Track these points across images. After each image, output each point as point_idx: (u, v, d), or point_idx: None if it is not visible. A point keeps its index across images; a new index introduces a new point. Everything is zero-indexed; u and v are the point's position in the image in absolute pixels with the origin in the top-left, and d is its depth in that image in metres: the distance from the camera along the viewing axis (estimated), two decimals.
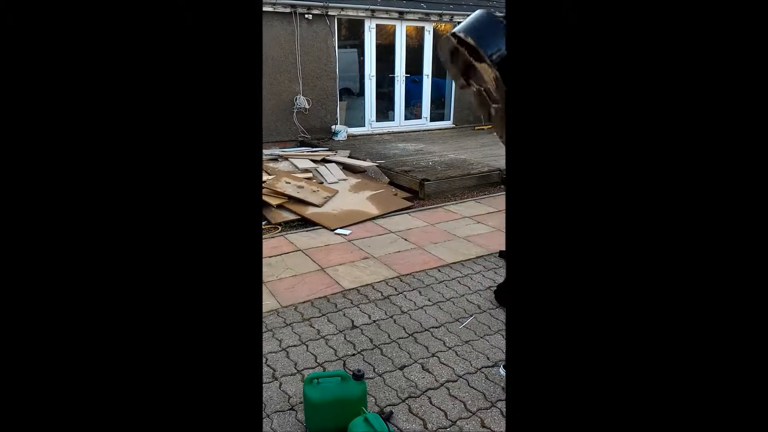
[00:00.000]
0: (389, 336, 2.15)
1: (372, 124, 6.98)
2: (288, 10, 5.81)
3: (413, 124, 7.30)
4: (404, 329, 2.22)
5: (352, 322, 2.27)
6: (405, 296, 2.53)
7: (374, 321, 2.28)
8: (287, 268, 2.84)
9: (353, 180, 4.52)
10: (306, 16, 5.94)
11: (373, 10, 6.42)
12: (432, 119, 7.47)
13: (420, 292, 2.58)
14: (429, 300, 2.49)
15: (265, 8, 5.65)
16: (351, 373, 1.66)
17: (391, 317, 2.32)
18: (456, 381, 1.86)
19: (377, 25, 6.61)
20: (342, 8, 6.19)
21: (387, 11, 6.54)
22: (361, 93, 6.88)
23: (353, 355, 2.01)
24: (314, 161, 4.88)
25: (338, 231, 3.46)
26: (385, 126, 7.06)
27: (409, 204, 4.08)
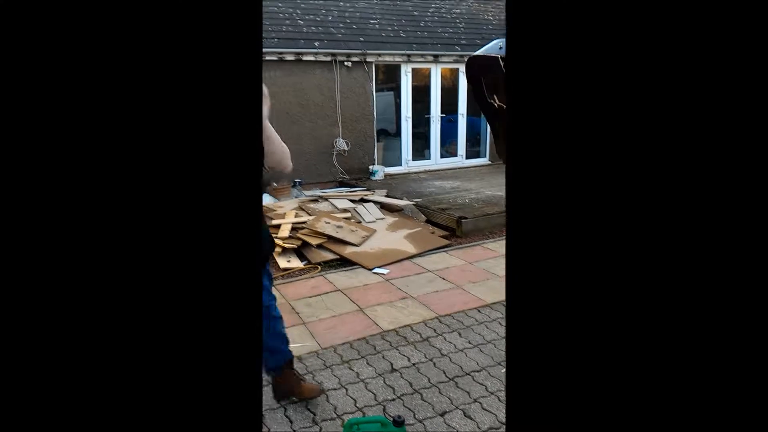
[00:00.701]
0: (429, 380, 2.12)
1: (408, 163, 7.10)
2: (329, 59, 6.14)
3: (449, 162, 7.37)
4: (444, 373, 2.17)
5: (392, 365, 2.25)
6: (444, 338, 2.50)
7: (413, 364, 2.26)
8: (326, 309, 2.87)
9: (391, 219, 4.58)
10: (345, 63, 6.25)
11: (409, 55, 6.67)
12: (467, 157, 7.51)
13: (460, 334, 2.53)
14: (469, 342, 2.44)
15: (307, 58, 5.99)
16: (391, 419, 1.64)
17: (431, 360, 2.28)
18: (499, 428, 1.79)
19: (413, 69, 6.85)
20: (379, 55, 6.47)
21: (422, 55, 6.78)
22: (398, 133, 7.06)
23: (393, 399, 1.99)
24: (353, 201, 4.99)
25: (376, 270, 3.49)
26: (422, 164, 7.16)
27: (446, 242, 4.07)
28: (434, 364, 2.26)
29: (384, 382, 2.11)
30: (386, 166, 6.77)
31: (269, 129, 1.51)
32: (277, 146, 1.53)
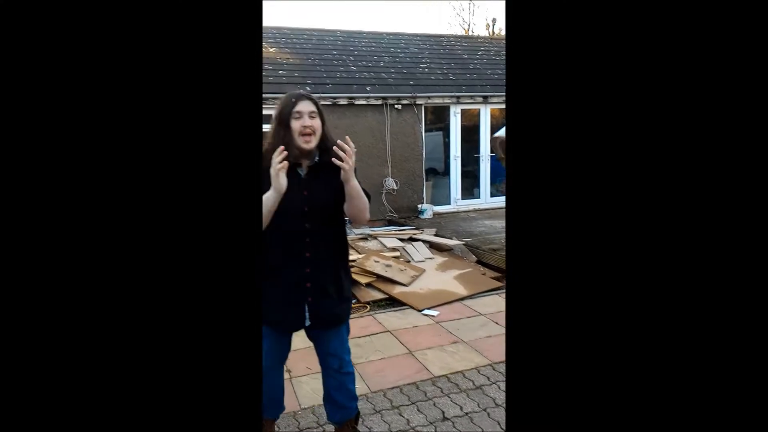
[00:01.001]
0: (482, 431, 2.01)
1: (457, 202, 7.07)
2: (379, 102, 6.37)
3: (499, 201, 7.26)
4: (499, 424, 2.06)
5: (443, 413, 2.17)
6: (498, 387, 2.38)
7: (466, 413, 2.16)
8: (376, 350, 2.84)
9: (440, 258, 4.53)
10: (396, 106, 6.44)
11: (458, 97, 6.79)
12: None
13: None
14: None
15: (358, 102, 6.24)
16: None
17: (485, 410, 2.18)
18: None
19: (462, 110, 6.94)
20: (429, 97, 6.63)
21: (472, 97, 6.87)
22: (447, 172, 7.08)
23: None
24: (401, 240, 5.00)
25: (426, 312, 3.43)
26: (471, 203, 7.10)
27: (498, 284, 3.96)
28: (488, 414, 2.15)
29: (435, 431, 2.03)
30: (435, 204, 6.77)
31: (354, 181, 1.48)
32: (361, 200, 1.52)
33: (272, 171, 1.40)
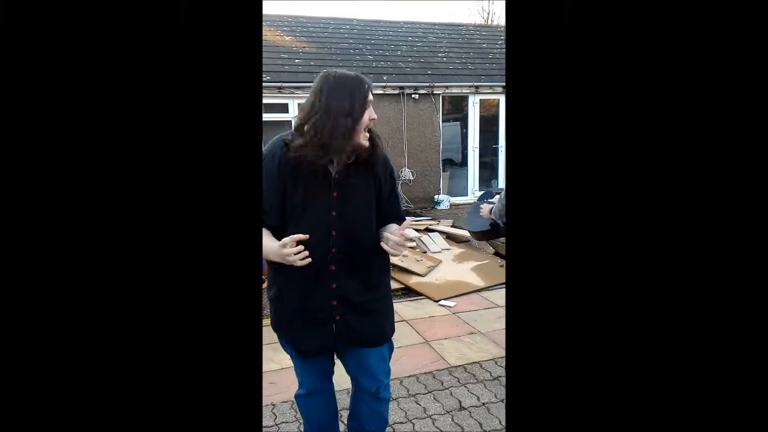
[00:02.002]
0: (500, 422, 2.00)
1: (475, 193, 7.00)
2: (396, 91, 6.32)
3: None
4: None
5: (460, 402, 2.16)
6: None
7: (483, 404, 2.15)
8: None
9: (457, 250, 4.50)
10: (413, 96, 6.38)
11: (477, 87, 6.69)
12: None
13: None
14: None
15: (375, 91, 6.19)
16: None
17: (502, 401, 2.16)
18: None
19: (480, 100, 6.84)
20: (447, 87, 6.55)
21: (491, 86, 6.76)
22: (464, 163, 7.01)
23: None
24: (417, 230, 4.98)
25: (442, 302, 3.41)
26: None
27: None
28: (505, 405, 2.13)
29: (452, 420, 2.02)
30: (452, 195, 6.72)
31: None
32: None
33: (284, 254, 1.12)
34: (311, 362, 1.39)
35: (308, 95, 1.23)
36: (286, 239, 1.13)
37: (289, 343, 1.36)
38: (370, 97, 1.23)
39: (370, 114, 1.21)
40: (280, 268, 1.25)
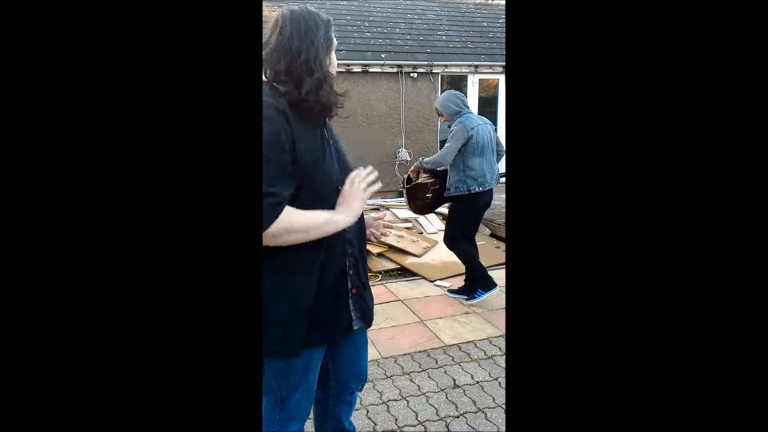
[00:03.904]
0: (494, 400, 2.02)
1: None
2: (395, 70, 6.21)
3: None
4: None
5: (454, 380, 2.18)
6: None
7: (477, 382, 2.16)
8: (387, 318, 2.85)
9: None
10: (411, 74, 6.28)
11: (476, 66, 6.59)
12: None
13: None
14: None
15: (373, 69, 6.09)
16: None
17: (496, 379, 2.18)
18: None
19: (480, 80, 6.75)
20: (446, 65, 6.45)
21: (490, 66, 6.66)
22: None
23: (456, 417, 1.91)
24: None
25: (438, 282, 3.42)
26: None
27: None
28: (499, 383, 2.15)
29: (446, 398, 2.04)
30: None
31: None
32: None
33: (357, 190, 1.06)
34: (315, 362, 1.14)
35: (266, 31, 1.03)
36: (353, 175, 1.07)
37: (298, 344, 1.07)
38: (334, 40, 1.08)
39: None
40: (284, 253, 1.01)
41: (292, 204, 1.00)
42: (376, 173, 1.14)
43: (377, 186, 1.11)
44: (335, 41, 1.09)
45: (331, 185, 1.07)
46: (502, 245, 4.18)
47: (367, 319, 1.19)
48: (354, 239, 1.15)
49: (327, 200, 1.06)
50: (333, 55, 1.08)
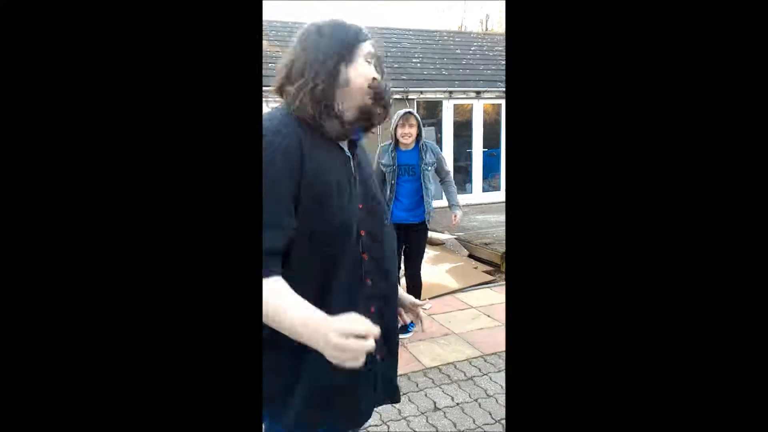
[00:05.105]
0: (474, 421, 2.02)
1: None
2: None
3: (491, 196, 7.28)
4: (490, 415, 2.07)
5: (435, 403, 2.17)
6: (490, 378, 2.39)
7: (458, 404, 2.16)
8: None
9: (432, 252, 4.53)
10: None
11: (451, 92, 6.78)
12: None
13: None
14: None
15: None
16: None
17: (476, 401, 2.18)
18: None
19: (455, 105, 6.93)
20: (421, 91, 6.61)
21: (465, 92, 6.87)
22: None
23: None
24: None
25: (416, 301, 3.42)
26: (463, 198, 7.08)
27: (490, 278, 3.97)
28: (479, 404, 2.15)
29: (427, 421, 2.03)
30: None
31: None
32: None
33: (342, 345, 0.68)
34: None
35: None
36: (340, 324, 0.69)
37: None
38: (367, 48, 0.88)
39: (369, 72, 0.87)
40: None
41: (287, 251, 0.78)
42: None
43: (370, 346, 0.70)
44: (363, 48, 0.88)
45: (344, 226, 0.83)
46: (480, 266, 4.23)
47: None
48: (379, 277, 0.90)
49: (333, 244, 0.82)
50: (357, 66, 0.86)
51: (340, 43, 0.86)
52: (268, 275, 0.74)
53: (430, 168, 2.78)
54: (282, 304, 0.73)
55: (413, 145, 2.74)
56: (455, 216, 2.93)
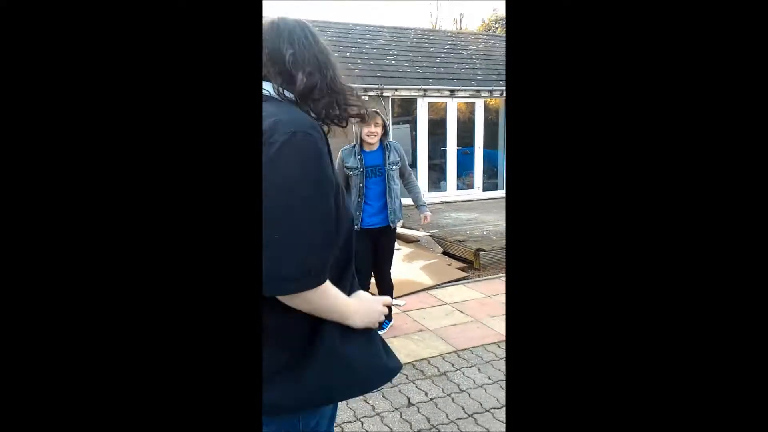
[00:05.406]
0: (447, 416, 2.04)
1: (424, 194, 7.11)
2: None
3: (465, 194, 7.37)
4: (463, 409, 2.09)
5: (408, 399, 2.18)
6: (463, 373, 2.42)
7: (431, 399, 2.18)
8: None
9: (406, 249, 4.55)
10: (362, 97, 6.40)
11: (425, 90, 6.82)
12: (485, 189, 7.51)
13: (479, 369, 2.45)
14: (489, 378, 2.36)
15: None
16: None
17: (449, 395, 2.20)
18: None
19: (429, 103, 6.97)
20: (396, 89, 6.62)
21: (438, 90, 6.91)
22: (414, 165, 7.11)
23: None
24: None
25: (392, 301, 3.43)
26: (437, 196, 7.17)
27: (463, 274, 4.01)
28: (452, 399, 2.18)
29: (400, 416, 2.04)
30: (402, 197, 6.79)
31: None
32: None
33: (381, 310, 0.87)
34: None
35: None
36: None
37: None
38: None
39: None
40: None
41: None
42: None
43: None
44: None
45: (352, 224, 0.89)
46: (454, 262, 4.27)
47: None
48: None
49: (345, 245, 0.87)
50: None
51: (324, 44, 0.89)
52: (324, 281, 0.78)
53: (394, 168, 2.74)
54: (342, 299, 0.83)
55: (378, 145, 2.70)
56: (425, 216, 2.92)
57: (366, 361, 0.88)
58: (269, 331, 0.77)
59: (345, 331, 0.85)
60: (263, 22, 0.87)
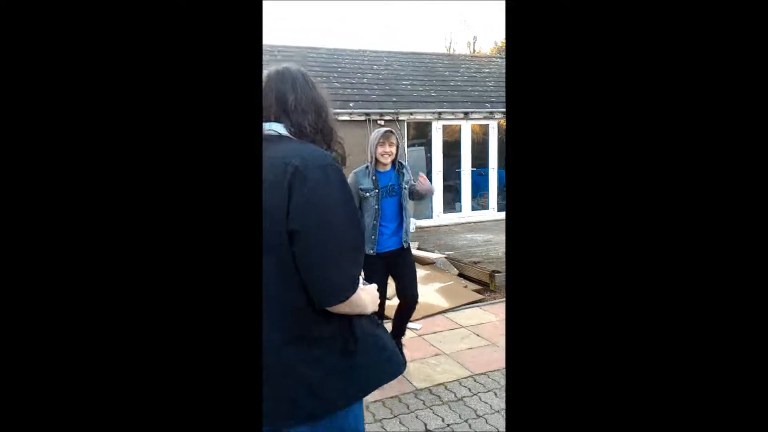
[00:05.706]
0: None
1: (439, 216, 7.15)
2: (363, 118, 6.45)
3: (480, 215, 7.38)
4: None
5: (425, 425, 2.19)
6: (480, 398, 2.41)
7: (448, 425, 2.18)
8: None
9: (422, 272, 4.57)
10: (379, 122, 6.53)
11: (440, 113, 6.93)
12: (499, 209, 7.51)
13: (496, 394, 2.44)
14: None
15: (342, 117, 6.31)
16: None
17: (466, 421, 2.20)
18: None
19: (443, 126, 7.07)
20: (411, 113, 6.75)
21: (453, 113, 7.01)
22: None
23: None
24: None
25: (408, 325, 3.45)
26: (452, 217, 7.20)
27: (479, 297, 4.01)
28: (469, 425, 2.18)
29: None
30: (417, 218, 6.84)
31: None
32: None
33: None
34: None
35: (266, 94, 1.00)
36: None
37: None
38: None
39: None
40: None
41: None
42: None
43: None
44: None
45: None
46: (470, 284, 4.28)
47: None
48: None
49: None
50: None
51: (320, 89, 1.09)
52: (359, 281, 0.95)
53: (406, 187, 2.73)
54: (363, 295, 0.96)
55: (390, 165, 2.72)
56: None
57: (390, 343, 1.04)
58: (320, 342, 0.91)
59: (366, 319, 1.00)
60: (270, 69, 1.03)
